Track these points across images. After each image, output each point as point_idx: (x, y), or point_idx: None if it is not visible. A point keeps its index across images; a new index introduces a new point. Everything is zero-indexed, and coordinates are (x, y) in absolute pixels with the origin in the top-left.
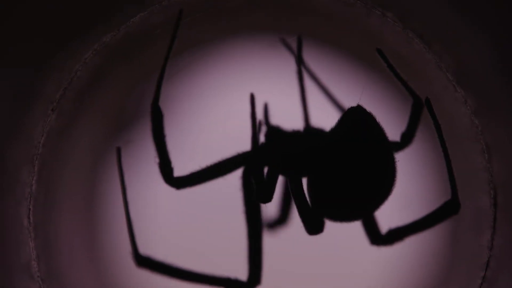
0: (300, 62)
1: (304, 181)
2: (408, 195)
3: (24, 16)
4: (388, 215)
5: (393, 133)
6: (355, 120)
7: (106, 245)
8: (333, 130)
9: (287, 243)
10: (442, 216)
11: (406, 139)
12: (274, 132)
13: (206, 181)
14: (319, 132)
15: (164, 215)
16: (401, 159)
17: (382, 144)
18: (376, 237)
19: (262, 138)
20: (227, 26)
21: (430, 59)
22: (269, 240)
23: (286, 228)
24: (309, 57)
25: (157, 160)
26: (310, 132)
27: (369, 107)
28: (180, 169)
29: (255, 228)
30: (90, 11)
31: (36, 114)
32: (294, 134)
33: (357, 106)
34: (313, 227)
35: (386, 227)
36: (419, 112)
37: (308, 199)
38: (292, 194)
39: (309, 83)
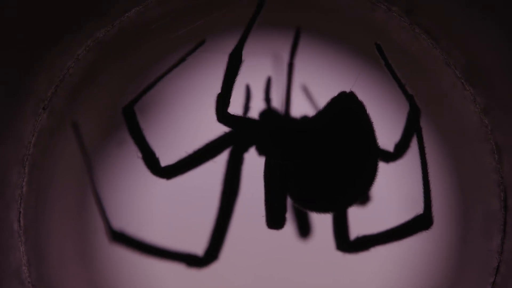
0: (294, 53)
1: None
2: (413, 197)
3: (14, 9)
4: (394, 216)
5: (394, 135)
6: (344, 106)
7: (99, 249)
8: (320, 114)
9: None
10: (412, 231)
11: (399, 150)
12: (269, 112)
13: (196, 166)
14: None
15: (158, 210)
16: (407, 159)
17: (366, 137)
18: (344, 243)
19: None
20: (227, 21)
21: (438, 56)
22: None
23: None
24: (312, 53)
25: (139, 154)
26: (302, 123)
27: (372, 105)
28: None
29: (227, 205)
30: (83, 5)
31: (27, 113)
32: (286, 119)
33: (350, 92)
34: (275, 220)
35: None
36: (415, 120)
37: (280, 185)
38: (264, 178)
39: (310, 78)
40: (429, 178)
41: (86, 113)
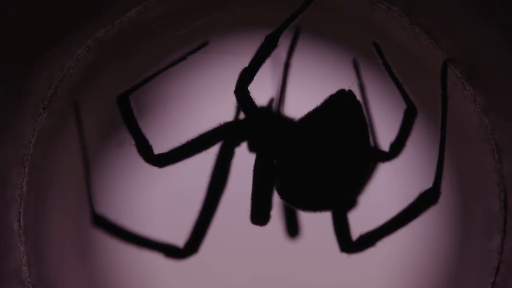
0: (292, 53)
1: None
2: (413, 196)
3: (14, 9)
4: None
5: (392, 134)
6: (341, 105)
7: (99, 249)
8: (316, 111)
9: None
10: (420, 208)
11: (395, 149)
12: (265, 110)
13: (189, 156)
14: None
15: (158, 210)
16: (404, 158)
17: (360, 138)
18: (347, 244)
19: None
20: (227, 21)
21: (438, 56)
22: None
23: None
24: (312, 53)
25: (132, 142)
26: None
27: (371, 105)
28: (179, 167)
29: (212, 199)
30: (83, 5)
31: (27, 113)
32: (281, 117)
33: (348, 90)
34: (259, 216)
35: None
36: (411, 121)
37: (269, 182)
38: (254, 173)
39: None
40: (444, 152)
41: (86, 113)
